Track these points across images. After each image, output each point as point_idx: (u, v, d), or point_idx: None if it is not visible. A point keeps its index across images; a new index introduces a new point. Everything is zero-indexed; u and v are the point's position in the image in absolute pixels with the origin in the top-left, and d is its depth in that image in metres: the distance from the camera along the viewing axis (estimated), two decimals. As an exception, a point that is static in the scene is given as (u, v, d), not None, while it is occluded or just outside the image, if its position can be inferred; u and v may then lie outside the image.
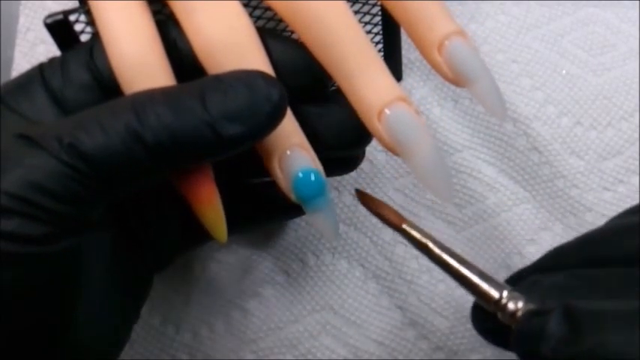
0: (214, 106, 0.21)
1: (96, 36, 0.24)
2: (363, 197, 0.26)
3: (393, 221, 0.25)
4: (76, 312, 0.22)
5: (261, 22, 0.29)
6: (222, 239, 0.24)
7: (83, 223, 0.21)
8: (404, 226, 0.24)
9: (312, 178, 0.23)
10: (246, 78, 0.22)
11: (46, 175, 0.20)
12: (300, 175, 0.23)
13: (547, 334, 0.20)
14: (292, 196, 0.24)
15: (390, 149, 0.23)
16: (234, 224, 0.24)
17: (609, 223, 0.24)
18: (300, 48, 0.25)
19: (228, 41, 0.23)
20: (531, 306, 0.21)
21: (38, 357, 0.22)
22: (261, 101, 0.21)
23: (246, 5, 0.26)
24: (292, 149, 0.23)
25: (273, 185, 0.24)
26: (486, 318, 0.23)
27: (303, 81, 0.25)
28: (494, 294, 0.22)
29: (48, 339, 0.22)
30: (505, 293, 0.22)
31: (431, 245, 0.24)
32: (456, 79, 0.23)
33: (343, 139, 0.26)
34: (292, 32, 0.30)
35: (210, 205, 0.24)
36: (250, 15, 0.24)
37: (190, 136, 0.21)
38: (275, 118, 0.22)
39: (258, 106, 0.21)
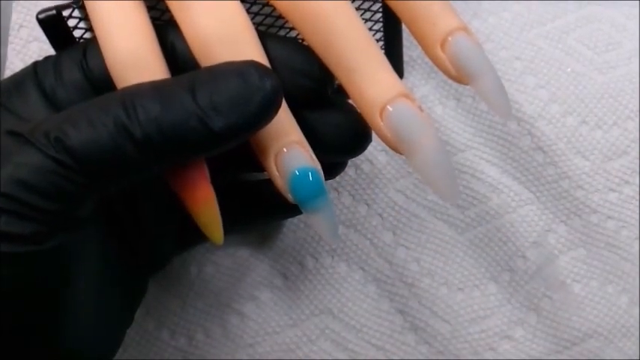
0: (204, 98, 0.21)
1: (90, 34, 0.24)
2: None
3: None
4: (67, 313, 0.22)
5: (259, 18, 0.28)
6: (218, 241, 0.24)
7: (72, 220, 0.21)
8: None
9: (310, 177, 0.23)
10: (237, 68, 0.21)
11: (32, 172, 0.20)
12: (297, 173, 0.23)
13: None
14: (289, 197, 0.23)
15: (393, 147, 0.22)
16: (230, 225, 0.24)
17: None
18: (299, 48, 0.25)
19: (224, 35, 0.23)
20: None
21: (28, 358, 0.22)
22: (253, 91, 0.21)
23: (243, 1, 0.26)
24: (289, 146, 0.23)
25: (270, 184, 0.24)
26: None
27: (301, 81, 0.24)
28: None
29: (37, 340, 0.22)
30: None
31: None
32: (459, 76, 0.23)
33: (340, 144, 0.25)
34: (292, 28, 0.29)
35: (205, 205, 0.23)
36: (248, 11, 0.24)
37: (180, 129, 0.20)
38: (268, 109, 0.21)
39: (249, 96, 0.21)
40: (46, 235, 0.20)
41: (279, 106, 0.21)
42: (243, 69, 0.21)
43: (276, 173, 0.23)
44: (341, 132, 0.25)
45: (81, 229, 0.22)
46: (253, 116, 0.21)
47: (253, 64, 0.21)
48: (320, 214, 0.23)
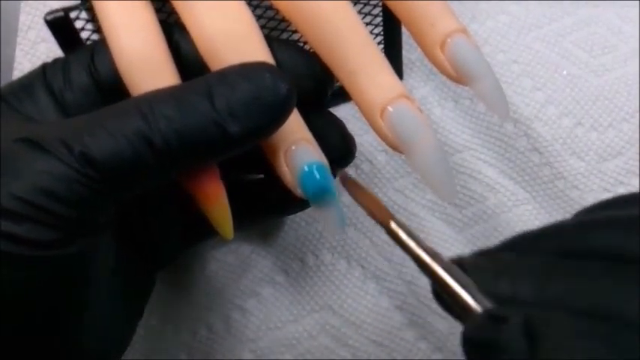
0: (221, 103, 0.21)
1: (97, 35, 0.24)
2: (349, 185, 0.23)
3: (380, 217, 0.22)
4: (85, 312, 0.22)
5: (262, 21, 0.29)
6: (228, 236, 0.24)
7: (91, 226, 0.21)
8: (392, 224, 0.21)
9: (318, 172, 0.23)
10: (251, 72, 0.21)
11: (56, 181, 0.20)
12: (306, 169, 0.23)
13: (502, 347, 0.17)
14: (298, 192, 0.23)
15: (393, 147, 0.23)
16: (238, 220, 0.24)
17: (580, 216, 0.21)
18: (300, 49, 0.25)
19: (230, 34, 0.23)
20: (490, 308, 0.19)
21: (44, 357, 0.22)
22: (268, 95, 0.21)
23: (247, 4, 0.26)
24: (298, 143, 0.23)
25: (273, 182, 0.24)
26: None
27: (303, 82, 0.25)
28: (476, 307, 0.19)
29: (54, 340, 0.22)
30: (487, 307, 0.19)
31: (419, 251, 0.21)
32: (458, 77, 0.23)
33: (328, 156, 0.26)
34: (294, 31, 0.30)
35: (217, 201, 0.24)
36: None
37: (198, 135, 0.21)
38: (283, 112, 0.22)
39: (264, 100, 0.21)
40: (66, 242, 0.20)
41: (292, 107, 0.22)
42: (256, 74, 0.21)
43: (286, 169, 0.23)
44: (329, 144, 0.25)
45: (98, 234, 0.22)
46: (269, 119, 0.21)
47: (265, 68, 0.22)
48: (328, 209, 0.24)
